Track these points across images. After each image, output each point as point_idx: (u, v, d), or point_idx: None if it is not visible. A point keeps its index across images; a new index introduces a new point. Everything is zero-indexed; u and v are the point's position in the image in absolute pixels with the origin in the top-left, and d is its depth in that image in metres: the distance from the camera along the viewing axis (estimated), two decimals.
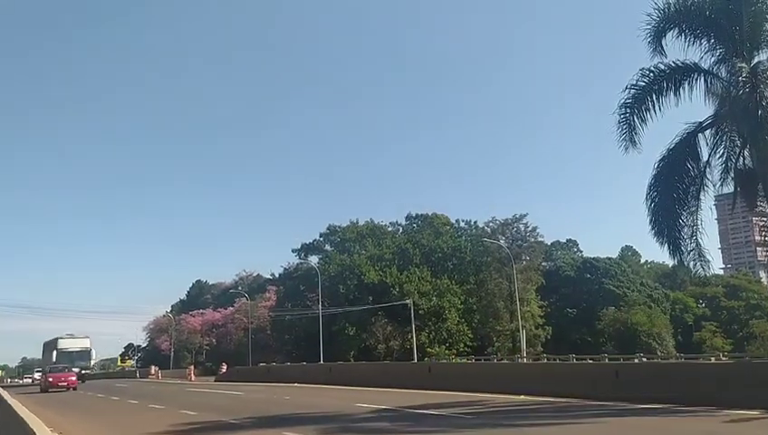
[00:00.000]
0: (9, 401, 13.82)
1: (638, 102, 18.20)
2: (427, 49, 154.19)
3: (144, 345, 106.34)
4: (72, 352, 51.45)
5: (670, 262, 27.16)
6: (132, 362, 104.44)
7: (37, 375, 70.50)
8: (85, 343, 53.55)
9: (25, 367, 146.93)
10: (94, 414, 20.90)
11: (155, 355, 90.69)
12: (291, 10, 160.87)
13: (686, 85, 18.07)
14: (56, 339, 53.82)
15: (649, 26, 18.26)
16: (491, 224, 67.67)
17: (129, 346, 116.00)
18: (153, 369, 70.11)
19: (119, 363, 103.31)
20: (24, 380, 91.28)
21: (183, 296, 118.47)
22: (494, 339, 63.87)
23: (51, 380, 40.88)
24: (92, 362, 58.17)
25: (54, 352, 50.98)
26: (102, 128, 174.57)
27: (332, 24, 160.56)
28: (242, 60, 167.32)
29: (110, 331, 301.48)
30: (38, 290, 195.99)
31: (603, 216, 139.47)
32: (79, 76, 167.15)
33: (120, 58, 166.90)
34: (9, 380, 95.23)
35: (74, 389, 39.49)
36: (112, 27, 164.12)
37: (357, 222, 77.99)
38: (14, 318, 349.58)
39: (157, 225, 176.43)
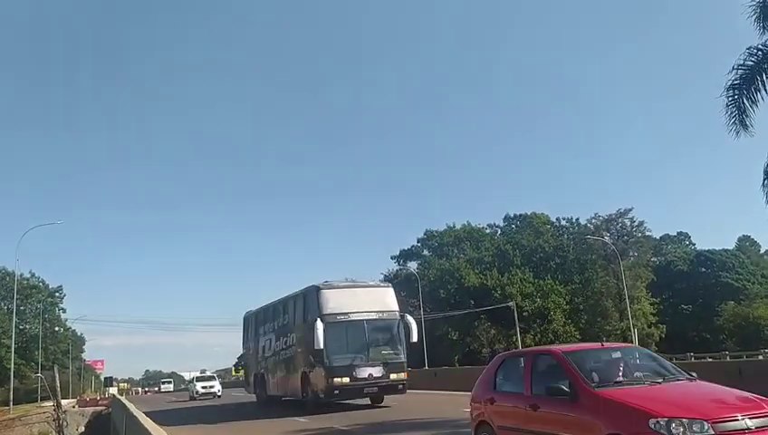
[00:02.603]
0: (135, 413, 14.87)
1: (748, 83, 17.12)
2: (515, 50, 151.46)
3: None
4: (362, 321, 20.53)
5: None
6: None
7: (200, 387, 43.89)
8: (386, 300, 21.84)
9: (148, 379, 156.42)
10: (209, 421, 21.86)
11: None
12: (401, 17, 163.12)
13: None
14: (316, 291, 21.11)
15: (754, 3, 17.21)
16: (594, 220, 65.87)
17: (242, 356, 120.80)
18: None
19: (233, 373, 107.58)
20: (163, 387, 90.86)
21: None
22: (604, 339, 61.76)
23: None
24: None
25: (318, 326, 19.65)
26: (197, 141, 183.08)
27: (425, 24, 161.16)
28: (345, 61, 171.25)
29: (224, 342, 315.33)
30: (154, 306, 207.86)
31: (717, 205, 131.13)
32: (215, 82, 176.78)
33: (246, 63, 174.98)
34: (135, 392, 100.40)
35: None
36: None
37: (454, 226, 77.77)
38: (136, 334, 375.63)
39: (262, 238, 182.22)
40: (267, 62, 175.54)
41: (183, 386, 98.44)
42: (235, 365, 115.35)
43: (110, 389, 72.83)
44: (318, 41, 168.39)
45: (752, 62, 17.15)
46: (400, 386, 20.32)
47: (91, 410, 44.57)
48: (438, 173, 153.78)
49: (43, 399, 52.01)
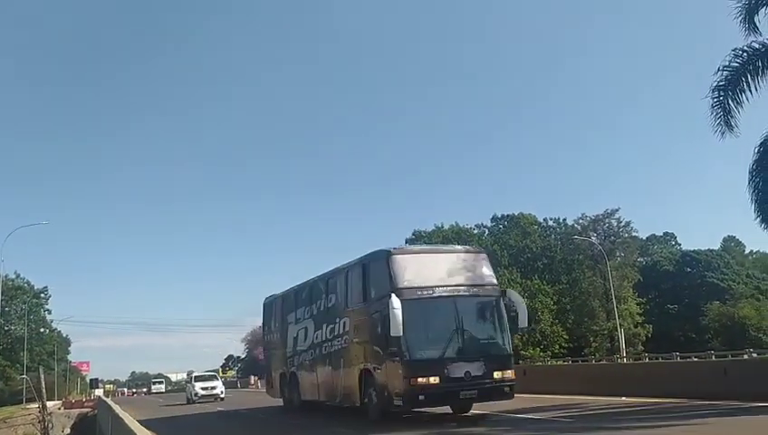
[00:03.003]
0: (120, 414, 14.78)
1: (733, 84, 17.25)
2: (505, 48, 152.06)
3: (243, 356, 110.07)
4: (452, 298, 14.64)
5: None
6: (233, 372, 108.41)
7: (200, 388, 38.64)
8: (480, 269, 15.74)
9: (135, 380, 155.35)
10: (196, 424, 21.75)
11: (253, 365, 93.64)
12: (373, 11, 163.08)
13: None
14: (387, 257, 15.01)
15: (740, 4, 17.34)
16: (581, 221, 66.00)
17: (230, 357, 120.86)
18: (252, 379, 72.65)
19: (221, 374, 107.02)
20: (153, 388, 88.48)
21: None
22: (591, 339, 62.20)
23: None
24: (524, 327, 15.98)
25: (394, 304, 13.53)
26: (194, 138, 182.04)
27: (420, 22, 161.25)
28: (333, 61, 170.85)
29: (213, 343, 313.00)
30: (141, 307, 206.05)
31: (702, 206, 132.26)
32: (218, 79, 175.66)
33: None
34: (121, 392, 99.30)
35: None
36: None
37: (442, 226, 77.56)
38: (122, 335, 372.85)
39: (249, 237, 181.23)
40: (267, 61, 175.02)
41: (170, 387, 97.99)
42: (222, 366, 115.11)
43: (96, 390, 72.26)
44: (317, 40, 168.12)
45: (737, 64, 17.28)
46: (507, 388, 14.54)
47: (76, 411, 44.24)
48: (426, 173, 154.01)
49: (29, 400, 51.57)
